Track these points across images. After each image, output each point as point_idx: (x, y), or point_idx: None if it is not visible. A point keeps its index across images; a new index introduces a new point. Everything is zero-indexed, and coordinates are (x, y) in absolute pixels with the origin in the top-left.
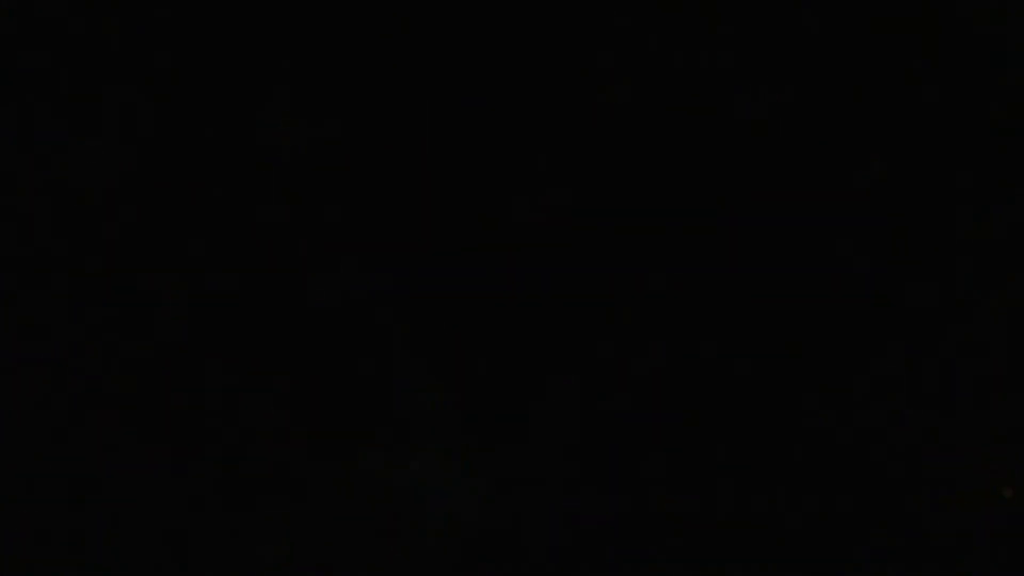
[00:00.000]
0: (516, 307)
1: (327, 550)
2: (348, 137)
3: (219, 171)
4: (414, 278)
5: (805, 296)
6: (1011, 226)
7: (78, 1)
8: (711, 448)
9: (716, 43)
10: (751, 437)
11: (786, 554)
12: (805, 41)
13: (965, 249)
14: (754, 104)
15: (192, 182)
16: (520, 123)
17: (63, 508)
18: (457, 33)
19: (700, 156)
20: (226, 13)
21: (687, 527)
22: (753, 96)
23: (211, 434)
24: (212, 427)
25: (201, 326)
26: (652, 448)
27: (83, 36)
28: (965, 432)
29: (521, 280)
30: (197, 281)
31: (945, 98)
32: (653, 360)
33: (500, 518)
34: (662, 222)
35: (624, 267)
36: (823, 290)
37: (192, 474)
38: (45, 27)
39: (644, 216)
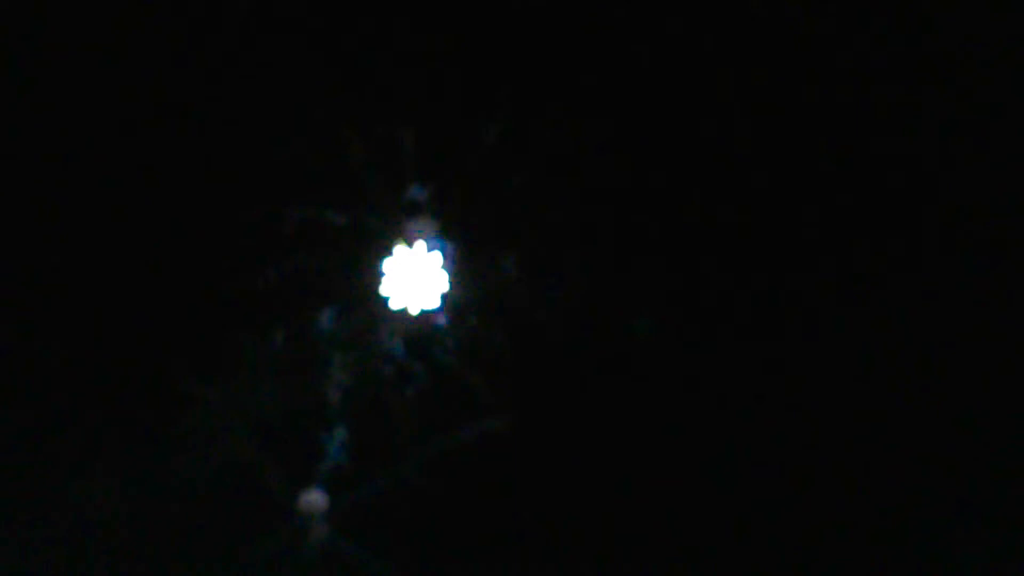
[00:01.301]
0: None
1: None
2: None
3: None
4: None
5: (805, 295)
6: (1011, 226)
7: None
8: (711, 449)
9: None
10: (752, 438)
11: (786, 554)
12: (805, 42)
13: (962, 247)
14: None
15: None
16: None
17: None
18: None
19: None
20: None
21: (686, 527)
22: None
23: None
24: None
25: None
26: (651, 447)
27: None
28: (966, 432)
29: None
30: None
31: (945, 100)
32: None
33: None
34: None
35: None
36: (823, 289)
37: None
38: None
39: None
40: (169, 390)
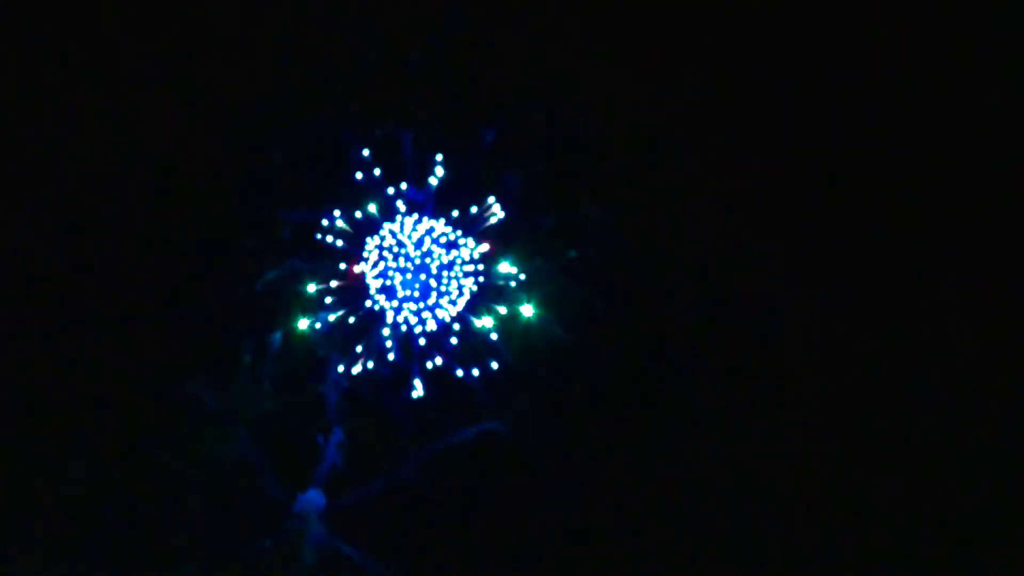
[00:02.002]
0: None
1: None
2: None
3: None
4: None
5: (805, 297)
6: (1011, 226)
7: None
8: (711, 449)
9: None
10: (752, 438)
11: (786, 554)
12: (806, 47)
13: (960, 252)
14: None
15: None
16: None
17: None
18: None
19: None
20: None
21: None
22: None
23: None
24: None
25: None
26: (650, 448)
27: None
28: (967, 430)
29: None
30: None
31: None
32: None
33: None
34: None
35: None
36: (822, 291)
37: None
38: None
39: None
40: (170, 391)
